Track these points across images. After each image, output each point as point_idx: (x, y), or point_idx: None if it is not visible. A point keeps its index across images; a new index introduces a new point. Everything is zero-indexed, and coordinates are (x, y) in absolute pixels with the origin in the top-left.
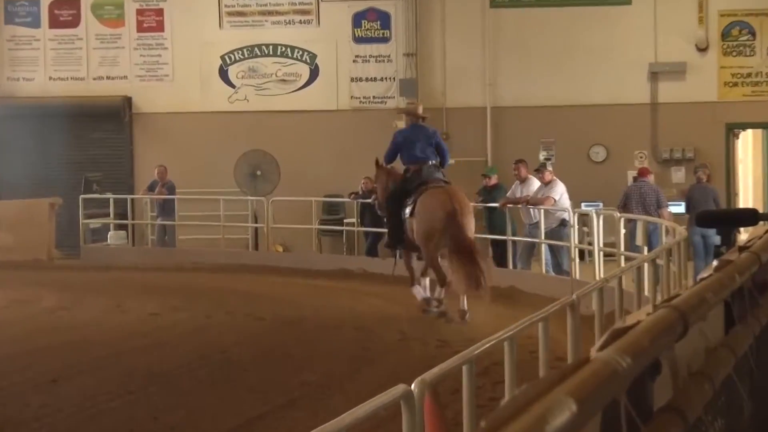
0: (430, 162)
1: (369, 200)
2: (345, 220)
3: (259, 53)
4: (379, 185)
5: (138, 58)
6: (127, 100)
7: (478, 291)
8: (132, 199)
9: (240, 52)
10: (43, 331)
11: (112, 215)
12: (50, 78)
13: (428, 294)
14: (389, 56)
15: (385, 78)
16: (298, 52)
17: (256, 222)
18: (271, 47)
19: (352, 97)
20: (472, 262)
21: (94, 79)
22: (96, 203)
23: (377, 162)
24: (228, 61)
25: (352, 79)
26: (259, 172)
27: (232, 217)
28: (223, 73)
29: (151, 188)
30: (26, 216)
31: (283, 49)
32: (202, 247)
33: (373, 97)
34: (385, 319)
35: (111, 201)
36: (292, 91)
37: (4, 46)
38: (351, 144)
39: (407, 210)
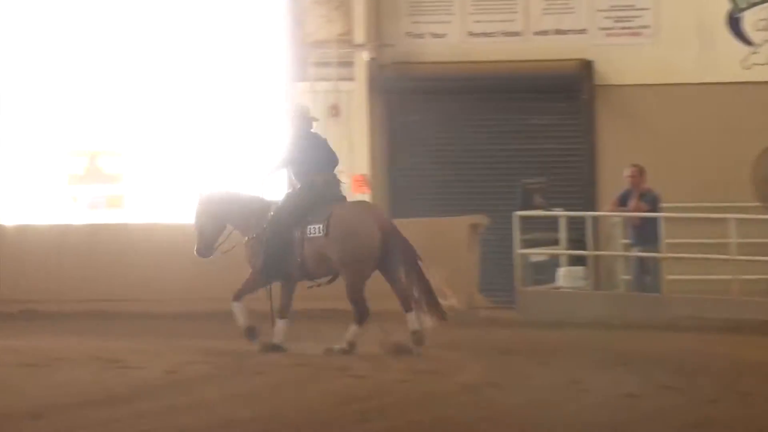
0: (336, 175)
1: None
2: None
3: None
4: (208, 220)
5: (602, 2)
6: (587, 66)
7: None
8: (594, 218)
9: None
10: (454, 419)
11: (563, 242)
12: (470, 33)
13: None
14: None
15: None
16: None
17: None
18: None
19: None
20: (423, 279)
21: (536, 33)
22: (540, 224)
23: (199, 195)
24: (741, 5)
25: None
26: None
27: (751, 246)
28: (734, 24)
29: (622, 201)
30: (433, 243)
31: None
32: (702, 294)
33: None
34: None
35: (562, 221)
36: None
37: None
38: None
39: (315, 227)
